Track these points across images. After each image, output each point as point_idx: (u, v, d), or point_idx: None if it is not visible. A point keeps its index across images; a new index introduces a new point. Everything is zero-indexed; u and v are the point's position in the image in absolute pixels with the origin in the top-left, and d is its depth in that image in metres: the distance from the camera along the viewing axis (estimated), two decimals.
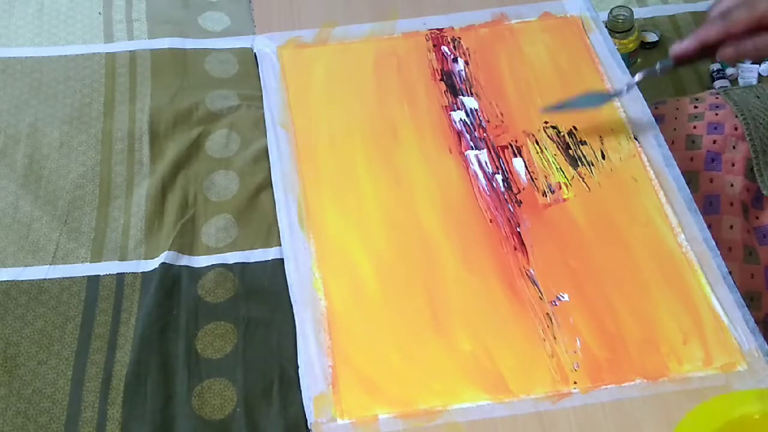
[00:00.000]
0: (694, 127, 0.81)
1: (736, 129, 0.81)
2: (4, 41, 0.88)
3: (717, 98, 0.87)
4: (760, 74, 0.95)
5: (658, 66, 0.72)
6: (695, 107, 0.86)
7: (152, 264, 0.70)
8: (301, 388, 0.62)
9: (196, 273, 0.70)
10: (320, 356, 0.63)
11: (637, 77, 0.74)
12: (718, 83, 0.92)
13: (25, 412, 0.63)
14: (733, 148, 0.79)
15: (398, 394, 0.62)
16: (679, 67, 0.72)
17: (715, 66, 0.96)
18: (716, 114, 0.83)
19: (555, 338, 0.64)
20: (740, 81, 0.95)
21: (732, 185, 0.77)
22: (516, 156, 0.76)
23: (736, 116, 0.81)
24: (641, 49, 1.00)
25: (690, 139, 0.77)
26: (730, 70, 0.95)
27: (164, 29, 0.90)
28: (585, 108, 0.74)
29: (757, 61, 1.00)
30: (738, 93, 0.84)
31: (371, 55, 0.84)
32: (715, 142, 0.79)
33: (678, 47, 0.70)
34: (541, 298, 0.67)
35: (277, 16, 0.87)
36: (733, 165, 0.78)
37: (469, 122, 0.79)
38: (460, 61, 0.83)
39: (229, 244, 0.72)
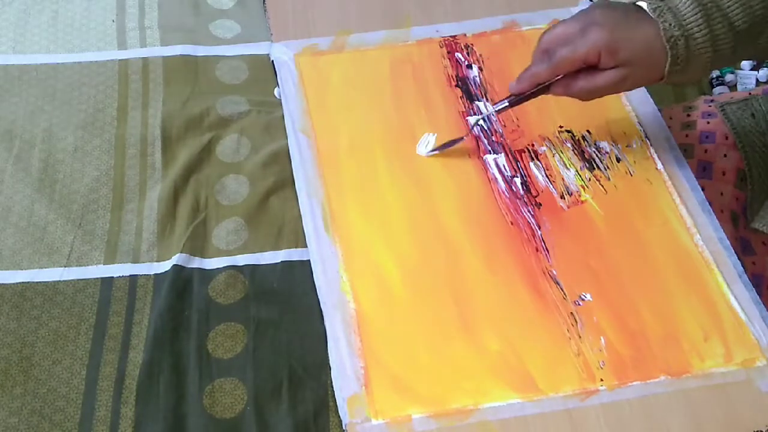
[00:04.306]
0: (686, 136, 0.84)
1: (726, 138, 0.83)
2: (19, 48, 0.91)
3: (710, 106, 0.89)
4: (758, 80, 0.99)
5: (495, 108, 0.75)
6: (688, 116, 0.88)
7: (164, 266, 0.73)
8: (334, 389, 0.63)
9: (207, 275, 0.72)
10: (352, 357, 0.64)
11: (473, 120, 0.79)
12: (717, 89, 0.95)
13: (40, 410, 0.65)
14: (725, 156, 0.82)
15: (430, 393, 0.63)
16: (515, 105, 0.74)
17: (714, 73, 0.99)
18: (708, 123, 0.86)
19: (580, 337, 0.66)
20: (739, 87, 0.98)
21: (722, 194, 0.80)
22: (533, 160, 0.78)
23: (726, 127, 0.84)
24: None
25: (682, 148, 0.79)
26: (729, 77, 0.98)
27: (176, 37, 0.92)
28: (446, 149, 0.78)
29: (756, 68, 1.03)
30: (734, 110, 0.86)
31: (387, 62, 0.86)
32: (706, 151, 0.82)
33: (515, 88, 0.73)
34: (564, 298, 0.68)
35: (292, 24, 0.88)
36: (723, 174, 0.81)
37: (486, 127, 0.80)
38: (474, 68, 0.85)
39: (239, 247, 0.74)
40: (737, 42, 0.67)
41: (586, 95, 0.71)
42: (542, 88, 0.72)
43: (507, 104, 0.74)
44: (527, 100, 0.74)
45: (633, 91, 0.83)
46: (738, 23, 0.66)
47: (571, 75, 0.70)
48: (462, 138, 0.78)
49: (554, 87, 0.72)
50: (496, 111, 0.75)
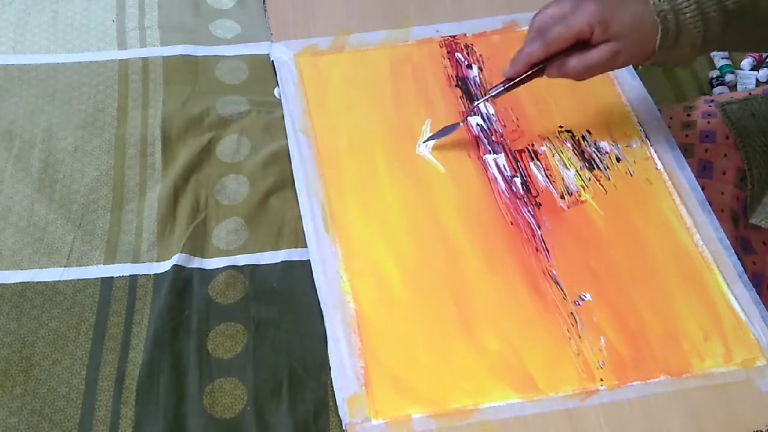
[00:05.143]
0: (687, 136, 0.84)
1: (727, 138, 0.83)
2: (19, 48, 0.91)
3: (710, 106, 0.89)
4: (758, 80, 0.98)
5: (492, 93, 0.75)
6: (688, 115, 0.88)
7: (164, 266, 0.73)
8: (334, 389, 0.63)
9: (207, 275, 0.73)
10: (352, 357, 0.64)
11: (476, 103, 0.79)
12: (717, 89, 0.95)
13: (41, 410, 0.65)
14: (725, 156, 0.82)
15: (430, 393, 0.63)
16: (512, 89, 0.74)
17: (714, 73, 0.99)
18: (708, 123, 0.86)
19: (580, 337, 0.66)
20: (739, 87, 0.98)
21: (722, 193, 0.80)
22: (533, 159, 0.78)
23: (727, 126, 0.84)
24: None
25: (683, 148, 0.79)
26: (729, 77, 0.98)
27: (176, 37, 0.92)
28: (443, 137, 0.78)
29: (756, 68, 1.03)
30: (735, 110, 0.86)
31: (387, 62, 0.86)
32: (707, 150, 0.82)
33: (510, 71, 0.73)
34: (564, 298, 0.68)
35: (292, 24, 0.88)
36: (724, 173, 0.81)
37: (485, 127, 0.80)
38: (474, 68, 0.85)
39: (239, 247, 0.75)
40: (727, 20, 0.67)
41: (581, 73, 0.70)
42: (536, 71, 0.72)
43: (502, 88, 0.74)
44: (522, 83, 0.73)
45: (633, 91, 0.83)
46: (728, 1, 0.66)
47: (564, 54, 0.70)
48: (458, 124, 0.78)
49: (549, 69, 0.71)
50: (492, 96, 0.75)
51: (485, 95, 0.76)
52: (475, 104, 0.80)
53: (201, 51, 0.91)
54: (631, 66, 0.86)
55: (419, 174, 0.77)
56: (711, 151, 0.83)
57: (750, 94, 0.88)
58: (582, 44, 0.69)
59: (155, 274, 0.72)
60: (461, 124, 0.78)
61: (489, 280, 0.70)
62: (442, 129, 0.78)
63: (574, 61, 0.69)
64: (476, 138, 0.80)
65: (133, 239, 0.75)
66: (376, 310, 0.68)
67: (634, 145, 0.79)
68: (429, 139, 0.77)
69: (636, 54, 0.69)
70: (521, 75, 0.72)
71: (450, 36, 0.88)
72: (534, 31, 0.71)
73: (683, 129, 0.87)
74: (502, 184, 0.76)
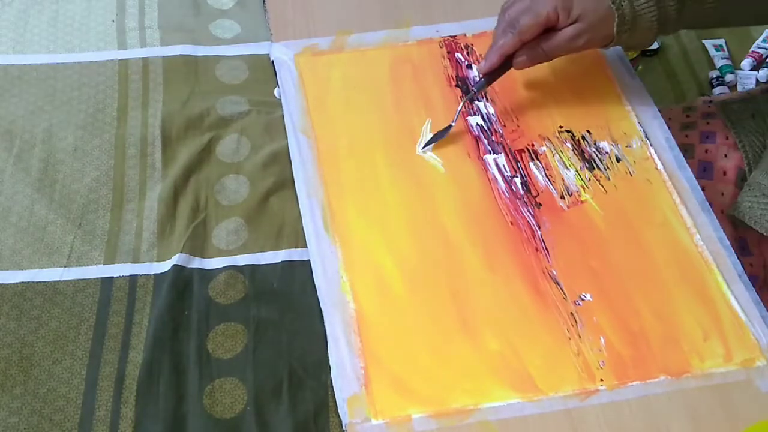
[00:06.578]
0: (686, 136, 0.84)
1: (727, 138, 0.83)
2: (19, 48, 0.91)
3: (709, 107, 0.89)
4: (758, 80, 0.98)
5: (474, 88, 0.79)
6: (687, 116, 0.88)
7: (164, 266, 0.73)
8: (334, 389, 0.63)
9: (208, 275, 0.73)
10: (351, 358, 0.64)
11: (461, 104, 0.80)
12: (717, 90, 0.95)
13: (40, 411, 0.65)
14: (725, 156, 0.82)
15: (430, 393, 0.63)
16: (491, 82, 0.78)
17: (714, 73, 0.99)
18: (708, 123, 0.86)
19: (580, 337, 0.66)
20: (739, 87, 0.98)
21: (722, 194, 0.80)
22: (533, 159, 0.78)
23: (727, 127, 0.84)
24: (642, 56, 1.03)
25: (683, 149, 0.80)
26: (729, 77, 0.98)
27: (176, 36, 0.92)
28: (437, 140, 0.79)
29: (756, 68, 1.03)
30: (734, 110, 0.86)
31: (387, 62, 0.86)
32: (707, 151, 0.82)
33: (485, 65, 0.78)
34: (564, 298, 0.68)
35: (292, 23, 0.88)
36: (724, 174, 0.81)
37: (485, 127, 0.80)
38: (474, 68, 0.85)
39: (239, 247, 0.75)
40: (682, 4, 0.71)
41: (548, 55, 0.75)
42: (509, 64, 0.77)
43: (484, 82, 0.78)
44: (498, 77, 0.78)
45: (633, 91, 0.83)
46: None
47: (531, 43, 0.75)
48: (450, 126, 0.78)
49: (518, 58, 0.76)
50: (475, 92, 0.79)
51: (467, 93, 0.80)
52: (460, 106, 0.79)
53: (201, 51, 0.91)
54: (630, 66, 0.86)
55: (419, 174, 0.77)
56: (711, 151, 0.83)
57: (749, 93, 0.88)
58: (548, 32, 0.74)
59: (155, 274, 0.72)
60: (452, 124, 0.78)
61: (489, 280, 0.70)
62: (436, 134, 0.78)
63: (542, 45, 0.74)
64: (476, 138, 0.80)
65: (133, 239, 0.75)
66: (375, 310, 0.67)
67: (634, 145, 0.79)
68: (427, 146, 0.78)
69: (597, 37, 0.74)
70: (495, 67, 0.77)
71: (450, 36, 0.88)
72: (504, 24, 0.76)
73: (683, 129, 0.87)
74: (502, 184, 0.76)
